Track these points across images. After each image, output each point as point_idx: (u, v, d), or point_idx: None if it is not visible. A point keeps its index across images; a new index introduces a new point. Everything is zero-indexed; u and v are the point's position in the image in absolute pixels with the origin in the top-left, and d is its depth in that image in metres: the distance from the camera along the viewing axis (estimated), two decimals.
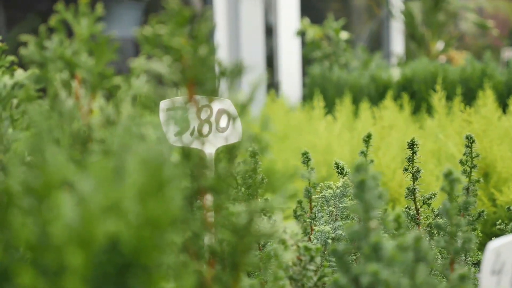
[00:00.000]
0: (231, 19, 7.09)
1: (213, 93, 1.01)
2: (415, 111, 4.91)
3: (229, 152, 1.08)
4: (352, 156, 3.71)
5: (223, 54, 7.05)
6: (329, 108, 5.29)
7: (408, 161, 1.91)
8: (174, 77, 0.99)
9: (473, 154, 2.00)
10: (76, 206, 0.67)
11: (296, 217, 2.23)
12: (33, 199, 0.72)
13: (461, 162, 2.03)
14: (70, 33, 1.12)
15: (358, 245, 1.14)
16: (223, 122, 1.44)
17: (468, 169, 2.01)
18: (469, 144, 2.00)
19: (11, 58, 1.34)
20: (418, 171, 1.91)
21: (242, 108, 1.03)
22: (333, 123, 4.34)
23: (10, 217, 0.73)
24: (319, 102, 4.63)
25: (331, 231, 1.82)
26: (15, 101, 1.30)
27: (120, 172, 0.72)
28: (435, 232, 1.90)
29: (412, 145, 1.90)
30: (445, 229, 1.37)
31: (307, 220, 2.04)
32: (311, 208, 2.16)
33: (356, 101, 5.18)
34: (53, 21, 1.08)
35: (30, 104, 1.06)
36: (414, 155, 1.91)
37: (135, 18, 6.92)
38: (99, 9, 1.08)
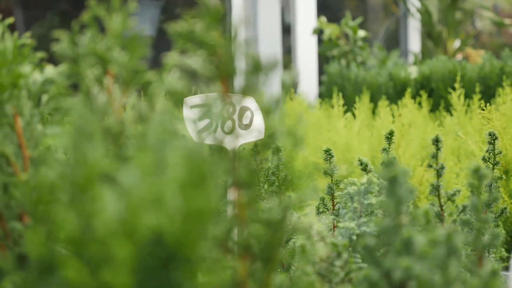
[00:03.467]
0: (248, 17, 7.09)
1: (245, 89, 1.01)
2: (434, 109, 4.89)
3: (258, 148, 1.08)
4: (371, 153, 3.70)
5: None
6: (347, 106, 5.28)
7: (432, 157, 1.91)
8: (207, 72, 0.99)
9: (496, 151, 2.00)
10: (119, 199, 0.68)
11: (318, 214, 2.22)
12: (74, 193, 0.73)
13: (483, 159, 2.02)
14: (101, 29, 1.12)
15: (387, 241, 1.14)
16: (246, 119, 1.45)
17: (491, 166, 2.01)
18: (492, 141, 2.00)
19: (40, 54, 1.35)
20: (442, 168, 1.91)
21: (276, 105, 1.03)
22: (352, 121, 4.33)
23: (51, 211, 0.74)
24: (338, 100, 4.61)
25: (356, 228, 1.81)
26: (44, 97, 1.31)
27: (161, 166, 0.72)
28: (460, 228, 1.89)
29: (436, 141, 1.90)
30: (472, 225, 1.37)
31: (330, 217, 2.04)
32: (333, 205, 2.16)
33: (374, 99, 5.17)
34: (85, 17, 1.09)
35: (63, 100, 1.07)
36: (439, 151, 1.91)
37: (153, 16, 6.93)
38: (132, 5, 1.08)
